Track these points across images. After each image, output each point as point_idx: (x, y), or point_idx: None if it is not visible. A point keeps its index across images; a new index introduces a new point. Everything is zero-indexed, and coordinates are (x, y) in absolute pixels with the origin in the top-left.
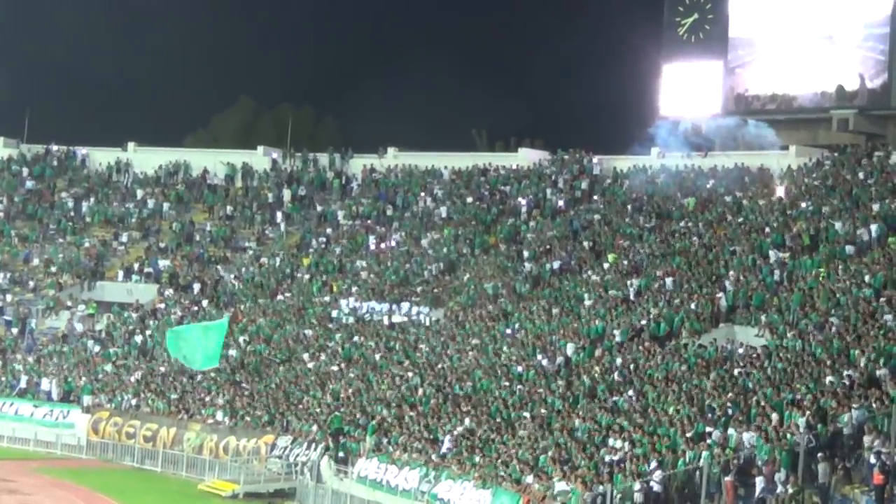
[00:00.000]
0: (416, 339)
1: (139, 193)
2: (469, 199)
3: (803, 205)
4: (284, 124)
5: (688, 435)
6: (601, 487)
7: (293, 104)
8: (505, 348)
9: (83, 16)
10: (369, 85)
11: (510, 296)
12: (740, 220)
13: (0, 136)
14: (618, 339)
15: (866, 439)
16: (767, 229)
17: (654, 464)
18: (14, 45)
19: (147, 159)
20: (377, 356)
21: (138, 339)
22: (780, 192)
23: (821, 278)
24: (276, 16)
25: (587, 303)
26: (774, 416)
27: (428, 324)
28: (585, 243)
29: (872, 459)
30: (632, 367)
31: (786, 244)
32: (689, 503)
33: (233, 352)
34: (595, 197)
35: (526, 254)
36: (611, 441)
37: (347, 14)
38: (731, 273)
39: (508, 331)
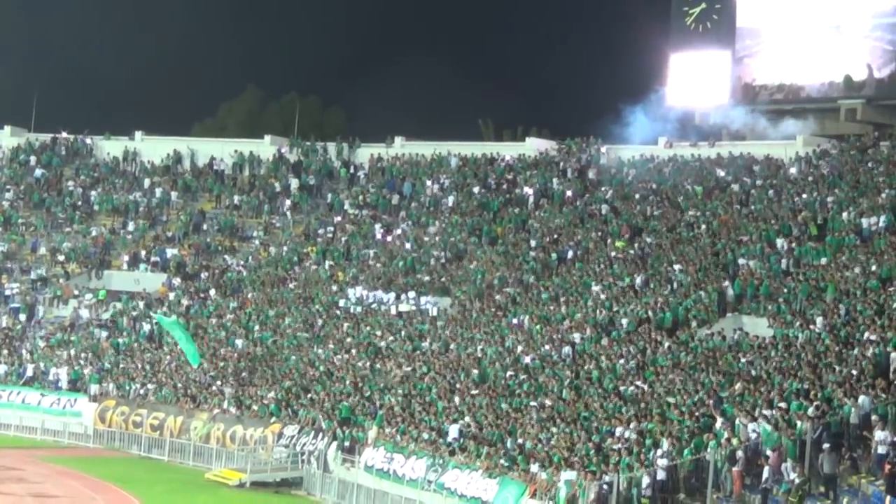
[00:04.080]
0: (423, 328)
1: (146, 182)
2: (476, 189)
3: (810, 194)
4: (291, 113)
5: (695, 424)
6: (608, 476)
7: (300, 93)
8: (511, 337)
9: (91, 5)
10: (376, 74)
11: (517, 285)
12: (748, 209)
13: (8, 124)
14: (625, 328)
15: (874, 430)
16: (774, 219)
17: (660, 453)
18: (22, 34)
19: (154, 148)
20: (384, 345)
21: (146, 327)
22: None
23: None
24: (283, 5)
25: (594, 292)
26: (781, 406)
27: (435, 313)
28: (593, 232)
29: (880, 450)
30: (639, 356)
31: (793, 233)
32: (696, 492)
33: (239, 341)
34: (602, 186)
35: (533, 243)
36: (618, 430)
37: (354, 3)
38: (739, 262)
39: (515, 320)
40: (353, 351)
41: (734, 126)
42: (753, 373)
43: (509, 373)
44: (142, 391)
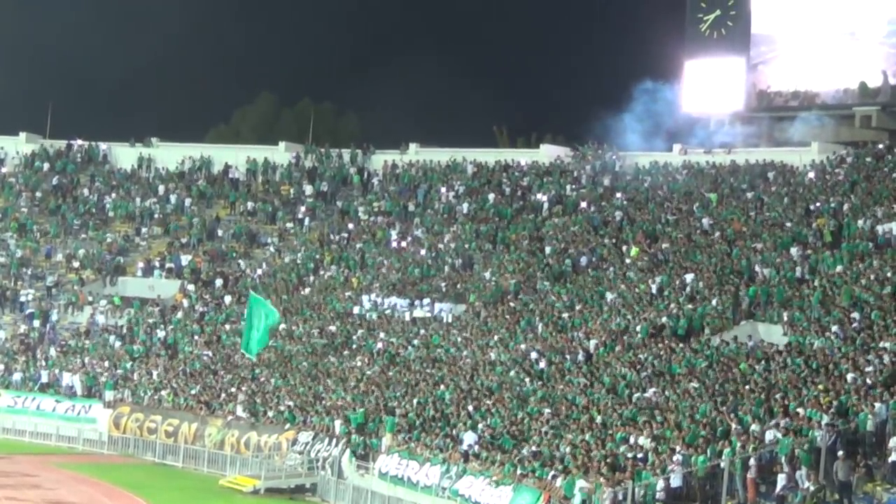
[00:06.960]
0: (438, 334)
1: (161, 189)
2: (491, 196)
3: (825, 201)
4: (306, 120)
5: (709, 432)
6: (622, 484)
7: (314, 99)
8: (526, 344)
9: (105, 13)
10: (390, 80)
11: (531, 292)
12: (762, 216)
13: (23, 131)
14: (639, 335)
15: (890, 438)
16: (789, 225)
17: (675, 460)
18: (36, 42)
19: (169, 154)
20: (398, 352)
21: (160, 334)
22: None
23: None
24: (296, 11)
25: (609, 299)
26: (796, 413)
27: (449, 320)
28: (607, 239)
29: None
30: (653, 363)
31: (808, 241)
32: (711, 500)
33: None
34: (617, 193)
35: (547, 250)
36: (632, 437)
37: (368, 9)
38: (754, 269)
39: (529, 327)
40: (367, 357)
41: (730, 140)
42: (768, 380)
43: (524, 379)
44: (156, 398)
